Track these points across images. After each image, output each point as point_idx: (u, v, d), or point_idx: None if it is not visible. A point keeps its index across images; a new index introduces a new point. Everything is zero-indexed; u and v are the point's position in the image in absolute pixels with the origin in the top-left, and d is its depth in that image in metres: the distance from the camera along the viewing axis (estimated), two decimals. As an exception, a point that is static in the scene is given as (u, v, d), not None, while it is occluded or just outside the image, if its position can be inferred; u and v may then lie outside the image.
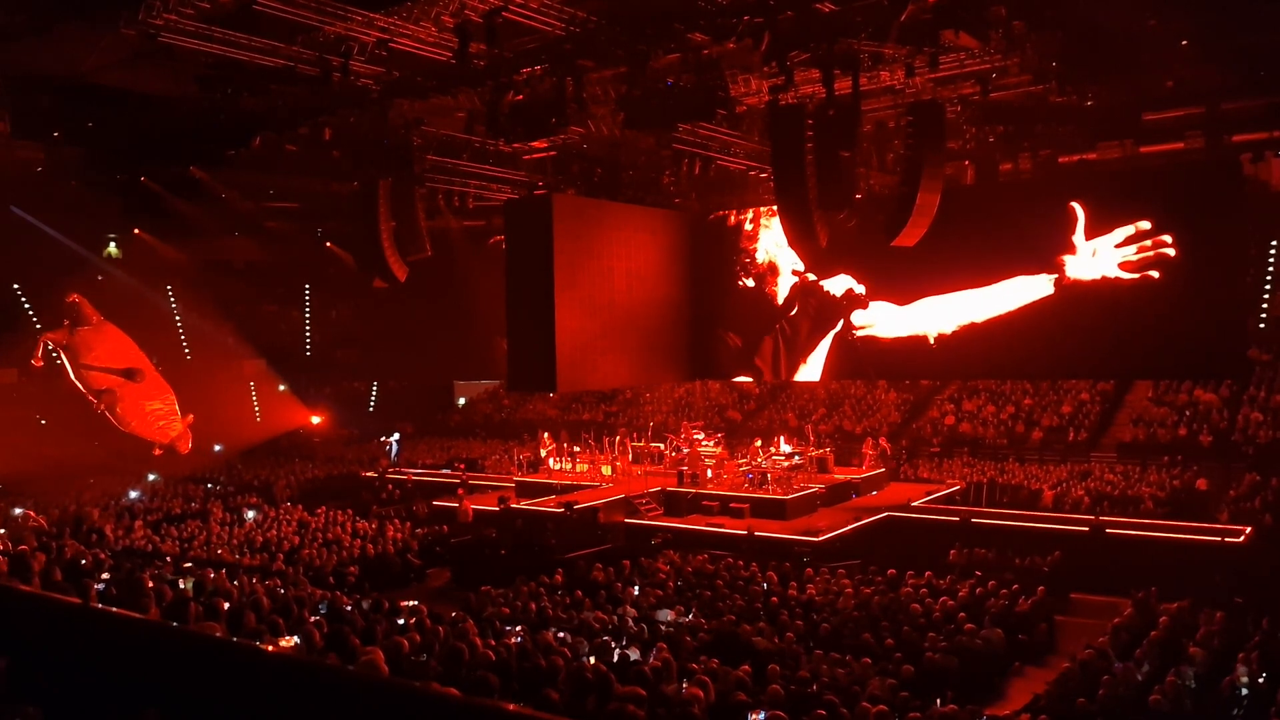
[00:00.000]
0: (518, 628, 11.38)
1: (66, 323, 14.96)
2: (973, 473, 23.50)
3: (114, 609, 6.14)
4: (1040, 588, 14.09)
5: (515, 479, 24.03)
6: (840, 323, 24.00)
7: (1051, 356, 20.04)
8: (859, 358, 23.77)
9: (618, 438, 24.96)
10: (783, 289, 24.98)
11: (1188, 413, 23.66)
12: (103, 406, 15.17)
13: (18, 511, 20.70)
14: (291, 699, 3.74)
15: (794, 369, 25.03)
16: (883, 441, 24.03)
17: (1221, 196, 17.86)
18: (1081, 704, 9.85)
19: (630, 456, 24.17)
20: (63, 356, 15.05)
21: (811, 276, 24.30)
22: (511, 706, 3.74)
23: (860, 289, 23.53)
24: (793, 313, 24.85)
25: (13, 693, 3.98)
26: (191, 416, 16.68)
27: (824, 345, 24.28)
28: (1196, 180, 18.07)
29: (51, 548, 15.56)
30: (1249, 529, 17.62)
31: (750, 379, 28.53)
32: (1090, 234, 18.89)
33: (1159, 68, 15.81)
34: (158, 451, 16.17)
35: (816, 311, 24.37)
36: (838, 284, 23.96)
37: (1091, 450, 24.03)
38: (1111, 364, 20.24)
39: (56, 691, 4.09)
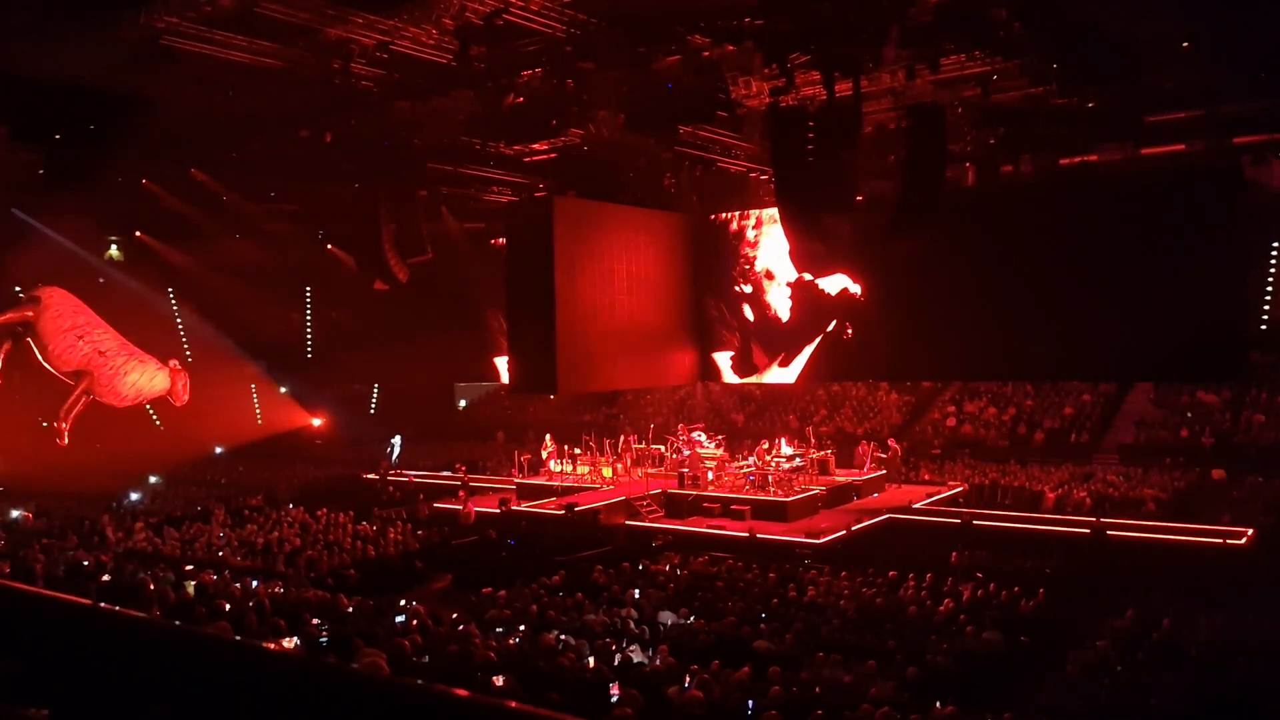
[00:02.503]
0: (519, 629, 11.39)
1: (9, 339, 14.89)
2: (974, 475, 23.47)
3: (122, 610, 6.14)
4: (1041, 590, 14.08)
5: (516, 480, 24.02)
6: (832, 323, 24.00)
7: (1053, 359, 20.08)
8: (854, 358, 23.78)
9: (620, 439, 24.96)
10: (781, 292, 25.00)
11: (1189, 414, 23.65)
12: (85, 400, 15.18)
13: (16, 514, 20.71)
14: (297, 699, 3.76)
15: (790, 369, 25.03)
16: (890, 443, 23.90)
17: (1222, 198, 17.87)
18: (1082, 706, 9.86)
19: (633, 458, 24.16)
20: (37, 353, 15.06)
21: (808, 276, 24.32)
22: (513, 704, 3.74)
23: (856, 289, 23.53)
24: (789, 313, 24.86)
25: (22, 696, 3.99)
26: (175, 361, 16.48)
27: (816, 345, 24.29)
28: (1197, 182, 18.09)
29: (53, 550, 15.59)
30: (1251, 531, 17.60)
31: (749, 380, 28.54)
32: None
33: (1160, 70, 15.81)
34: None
35: (812, 312, 24.40)
36: (833, 283, 23.98)
37: (1093, 452, 23.99)
38: (1113, 367, 20.31)
39: (65, 693, 4.10)
